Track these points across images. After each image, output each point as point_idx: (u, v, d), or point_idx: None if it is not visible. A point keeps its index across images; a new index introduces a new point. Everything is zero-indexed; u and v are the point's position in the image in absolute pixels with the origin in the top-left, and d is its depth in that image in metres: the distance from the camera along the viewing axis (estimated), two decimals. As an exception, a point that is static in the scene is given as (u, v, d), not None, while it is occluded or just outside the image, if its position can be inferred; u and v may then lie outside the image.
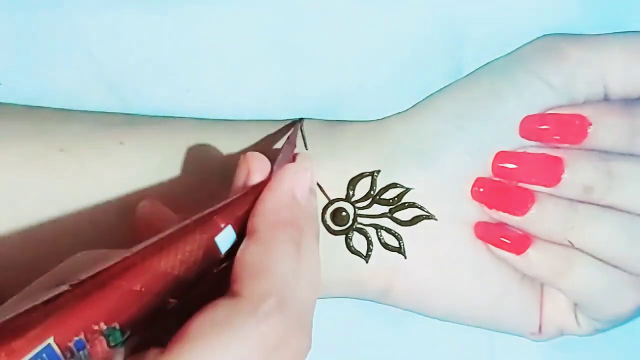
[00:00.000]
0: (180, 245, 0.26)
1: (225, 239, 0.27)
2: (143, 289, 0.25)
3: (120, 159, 0.32)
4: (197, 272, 0.26)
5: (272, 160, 0.29)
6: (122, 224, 0.32)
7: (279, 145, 0.33)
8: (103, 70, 0.34)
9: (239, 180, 0.29)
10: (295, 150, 0.32)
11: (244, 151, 0.32)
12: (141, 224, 0.30)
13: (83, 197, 0.32)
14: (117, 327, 0.25)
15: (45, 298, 0.24)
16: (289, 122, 0.34)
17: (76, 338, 0.24)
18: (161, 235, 0.26)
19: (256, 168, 0.29)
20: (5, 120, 0.33)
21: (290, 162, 0.30)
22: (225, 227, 0.27)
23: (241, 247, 0.27)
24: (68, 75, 0.34)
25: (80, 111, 0.34)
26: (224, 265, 0.27)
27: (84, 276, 0.25)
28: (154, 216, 0.30)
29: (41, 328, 0.23)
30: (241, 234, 0.28)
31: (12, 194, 0.31)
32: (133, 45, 0.34)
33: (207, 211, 0.27)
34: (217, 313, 0.25)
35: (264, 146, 0.33)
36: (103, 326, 0.24)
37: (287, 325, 0.25)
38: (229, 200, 0.28)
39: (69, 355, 0.24)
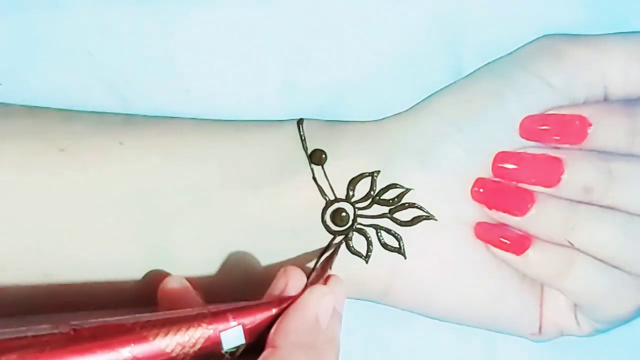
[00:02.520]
0: (183, 327, 0.27)
1: (231, 337, 0.28)
2: (131, 357, 0.26)
3: (120, 159, 0.32)
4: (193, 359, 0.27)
5: (308, 276, 0.31)
6: (121, 224, 0.32)
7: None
8: (103, 70, 0.34)
9: (275, 290, 0.30)
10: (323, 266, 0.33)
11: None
12: (164, 300, 0.31)
13: (83, 197, 0.32)
14: None
15: (30, 334, 0.25)
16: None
17: None
18: (168, 313, 0.27)
19: (293, 284, 0.30)
20: (5, 120, 0.33)
21: (321, 281, 0.31)
22: (235, 325, 0.28)
23: (261, 358, 0.28)
24: (68, 75, 0.34)
25: (80, 111, 0.34)
26: None
27: (86, 325, 0.26)
28: (179, 297, 0.31)
29: (13, 355, 0.24)
30: (253, 343, 0.28)
31: (12, 194, 0.31)
32: (133, 45, 0.34)
33: (223, 306, 0.28)
34: None
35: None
36: None
37: None
38: (249, 303, 0.29)
39: None
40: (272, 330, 0.29)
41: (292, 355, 0.28)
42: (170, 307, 0.30)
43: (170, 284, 0.31)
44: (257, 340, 0.29)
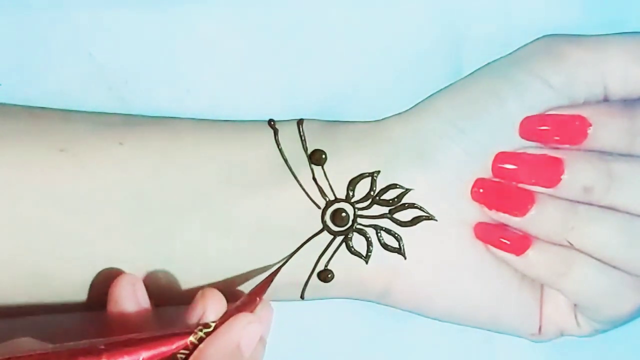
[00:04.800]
0: None
1: None
2: None
3: (120, 159, 0.32)
4: None
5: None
6: (121, 224, 0.32)
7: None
8: (103, 70, 0.34)
9: (192, 317, 0.29)
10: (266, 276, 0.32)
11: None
12: (112, 300, 0.31)
13: (83, 197, 0.32)
14: None
15: None
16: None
17: None
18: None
19: (212, 309, 0.29)
20: (5, 120, 0.33)
21: (250, 308, 0.30)
22: None
23: None
24: (68, 75, 0.34)
25: (80, 111, 0.34)
26: None
27: None
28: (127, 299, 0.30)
29: None
30: None
31: (12, 194, 0.31)
32: (133, 45, 0.34)
33: (130, 336, 0.28)
34: None
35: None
36: None
37: None
38: (162, 333, 0.28)
39: None
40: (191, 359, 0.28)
41: None
42: (117, 308, 0.30)
43: (123, 285, 0.30)
44: None
